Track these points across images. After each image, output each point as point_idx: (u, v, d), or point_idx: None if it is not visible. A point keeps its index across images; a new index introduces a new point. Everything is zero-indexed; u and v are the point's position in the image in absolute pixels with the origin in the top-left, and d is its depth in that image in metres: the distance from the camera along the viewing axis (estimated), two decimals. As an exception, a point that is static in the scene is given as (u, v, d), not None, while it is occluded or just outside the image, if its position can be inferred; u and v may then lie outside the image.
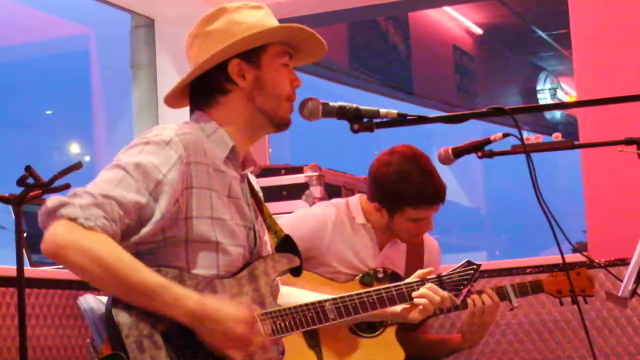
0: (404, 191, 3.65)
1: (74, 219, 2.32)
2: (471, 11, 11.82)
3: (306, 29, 2.65)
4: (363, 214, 3.84)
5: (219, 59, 2.61)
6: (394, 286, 2.83)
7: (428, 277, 2.96)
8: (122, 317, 2.35)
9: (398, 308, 2.89)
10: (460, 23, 12.10)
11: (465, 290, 3.01)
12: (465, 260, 3.05)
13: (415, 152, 3.72)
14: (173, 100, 2.73)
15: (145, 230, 2.43)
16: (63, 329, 4.52)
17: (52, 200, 2.36)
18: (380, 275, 3.78)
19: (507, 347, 4.78)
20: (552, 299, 3.83)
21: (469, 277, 3.00)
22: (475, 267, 3.03)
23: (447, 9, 11.36)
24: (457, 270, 3.01)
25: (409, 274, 3.83)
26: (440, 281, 2.93)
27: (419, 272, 2.93)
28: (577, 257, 4.25)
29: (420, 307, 2.90)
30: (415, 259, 3.93)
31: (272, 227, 2.74)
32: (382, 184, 3.71)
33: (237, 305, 2.44)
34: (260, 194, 2.81)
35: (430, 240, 4.02)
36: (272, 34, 2.62)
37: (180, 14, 5.91)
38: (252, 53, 2.63)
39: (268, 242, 2.76)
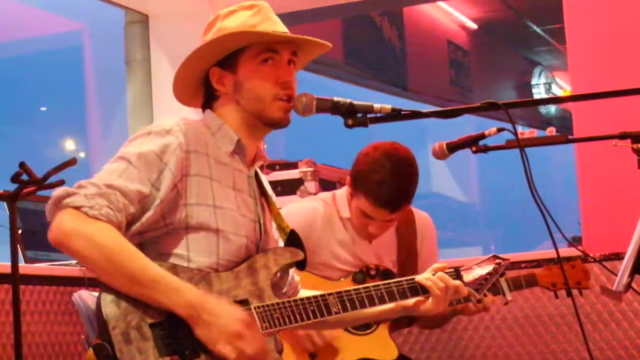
0: (367, 176, 3.58)
1: (78, 208, 2.36)
2: (466, 6, 11.82)
3: (271, 34, 2.61)
4: (348, 207, 3.78)
5: (194, 68, 2.64)
6: (407, 279, 2.75)
7: (446, 270, 2.83)
8: (110, 310, 2.36)
9: (410, 301, 2.79)
10: (454, 18, 12.11)
11: (487, 285, 2.90)
12: (492, 254, 2.93)
13: (405, 154, 3.63)
14: (188, 99, 2.75)
15: (146, 217, 2.45)
16: (58, 325, 4.52)
17: (58, 190, 2.40)
18: (372, 272, 3.77)
19: (502, 342, 4.79)
20: (547, 293, 3.83)
21: (492, 271, 2.88)
22: (500, 262, 2.91)
23: (441, 3, 11.36)
24: (480, 264, 2.90)
25: (401, 256, 3.83)
26: (458, 274, 2.83)
27: (434, 266, 2.83)
28: (572, 252, 4.25)
29: (433, 298, 2.78)
30: (407, 239, 3.87)
31: (281, 224, 2.74)
32: (358, 160, 3.66)
33: (237, 306, 2.45)
34: (271, 192, 2.81)
35: (421, 216, 3.94)
36: (228, 41, 2.60)
37: (174, 10, 5.91)
38: (228, 58, 2.63)
39: (277, 239, 2.76)
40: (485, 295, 2.89)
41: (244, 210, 2.62)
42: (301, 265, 2.69)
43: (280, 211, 2.78)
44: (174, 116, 2.60)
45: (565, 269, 3.77)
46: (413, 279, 2.78)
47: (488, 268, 2.90)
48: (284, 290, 2.78)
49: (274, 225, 2.77)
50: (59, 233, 2.36)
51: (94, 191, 2.38)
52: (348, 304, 2.64)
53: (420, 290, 2.77)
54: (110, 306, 2.36)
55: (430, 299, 2.78)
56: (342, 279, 3.75)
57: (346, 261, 3.78)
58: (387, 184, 3.55)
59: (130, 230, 2.44)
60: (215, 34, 2.64)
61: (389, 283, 2.73)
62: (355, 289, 2.67)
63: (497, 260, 2.92)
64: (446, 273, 2.81)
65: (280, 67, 2.64)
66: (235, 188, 2.62)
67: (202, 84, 2.70)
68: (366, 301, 2.67)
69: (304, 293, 2.89)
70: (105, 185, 2.40)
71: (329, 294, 2.64)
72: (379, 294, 2.70)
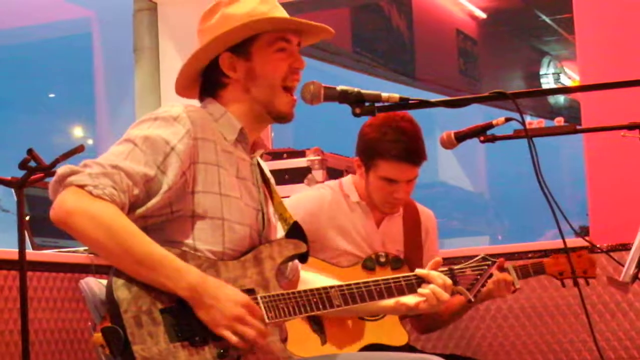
0: (380, 141, 3.66)
1: (82, 186, 2.34)
2: (475, -5, 11.80)
3: (293, 20, 2.63)
4: (356, 192, 3.84)
5: (206, 54, 2.63)
6: (403, 277, 2.75)
7: (440, 269, 2.82)
8: (122, 293, 2.35)
9: (411, 300, 2.77)
10: (463, 7, 12.07)
11: (478, 286, 2.92)
12: (481, 255, 2.96)
13: (402, 114, 3.70)
14: (184, 90, 2.75)
15: (152, 203, 2.44)
16: (65, 312, 4.53)
17: (62, 168, 2.39)
18: (382, 260, 3.79)
19: (509, 332, 4.79)
20: (554, 282, 3.83)
21: (482, 272, 2.89)
22: (490, 262, 2.92)
23: (450, -8, 11.35)
24: (471, 265, 2.90)
25: (408, 247, 3.86)
26: (451, 274, 2.83)
27: (429, 264, 2.82)
28: (579, 242, 4.24)
29: (435, 294, 2.76)
30: (413, 232, 3.92)
31: (283, 215, 2.74)
32: (363, 134, 3.75)
33: (238, 289, 2.44)
34: (272, 181, 2.82)
35: (425, 211, 3.99)
36: (251, 27, 2.60)
37: (182, -3, 5.91)
38: (241, 45, 2.63)
39: (278, 228, 2.77)
40: (476, 295, 2.90)
41: (247, 199, 2.63)
42: (303, 257, 2.70)
43: (284, 200, 2.78)
44: (179, 103, 2.59)
45: (572, 258, 3.77)
46: (411, 277, 2.77)
47: (477, 269, 2.91)
48: (286, 275, 2.80)
49: (271, 211, 2.76)
50: (61, 211, 2.34)
51: (99, 170, 2.37)
52: (349, 298, 2.65)
53: (417, 288, 2.76)
54: (121, 289, 2.36)
55: (427, 298, 2.75)
56: (351, 266, 3.77)
57: (356, 244, 3.81)
58: (401, 139, 3.64)
59: (135, 213, 2.43)
60: (220, 20, 2.63)
61: (388, 279, 2.74)
62: (355, 283, 2.68)
63: (487, 262, 2.93)
64: (441, 272, 2.80)
65: (293, 54, 2.66)
66: (239, 176, 2.62)
67: (204, 72, 2.68)
68: (366, 296, 2.67)
69: (304, 275, 2.91)
70: (111, 165, 2.39)
71: (331, 287, 2.64)
72: (378, 289, 2.70)
